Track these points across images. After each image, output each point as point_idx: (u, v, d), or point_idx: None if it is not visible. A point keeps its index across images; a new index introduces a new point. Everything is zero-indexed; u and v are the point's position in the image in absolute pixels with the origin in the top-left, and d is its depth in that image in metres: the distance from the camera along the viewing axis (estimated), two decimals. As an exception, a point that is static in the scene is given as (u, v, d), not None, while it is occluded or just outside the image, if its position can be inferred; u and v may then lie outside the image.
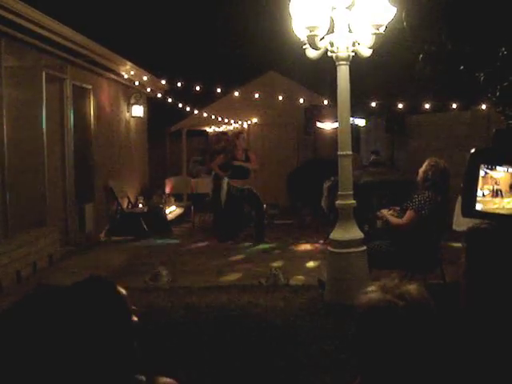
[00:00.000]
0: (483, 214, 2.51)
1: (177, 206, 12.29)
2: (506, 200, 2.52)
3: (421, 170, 5.54)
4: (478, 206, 2.52)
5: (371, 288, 1.49)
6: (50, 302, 1.56)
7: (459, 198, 6.73)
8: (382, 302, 1.44)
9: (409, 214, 5.42)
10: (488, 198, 2.50)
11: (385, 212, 5.73)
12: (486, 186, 2.55)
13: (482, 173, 2.49)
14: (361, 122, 13.02)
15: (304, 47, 5.34)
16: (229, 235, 9.31)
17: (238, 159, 9.31)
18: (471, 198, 2.45)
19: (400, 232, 5.49)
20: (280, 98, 12.38)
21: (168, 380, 1.62)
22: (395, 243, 5.50)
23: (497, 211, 2.50)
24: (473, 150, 2.44)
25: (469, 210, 2.48)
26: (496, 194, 2.60)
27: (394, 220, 5.58)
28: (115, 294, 1.60)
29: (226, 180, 9.30)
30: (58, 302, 1.55)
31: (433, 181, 5.44)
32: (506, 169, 2.51)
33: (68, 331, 1.50)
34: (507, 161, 2.52)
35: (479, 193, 2.47)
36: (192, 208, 11.51)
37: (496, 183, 2.55)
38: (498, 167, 2.51)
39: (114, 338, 1.53)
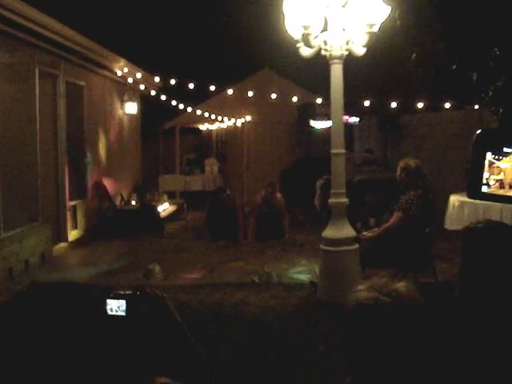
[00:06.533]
0: (489, 196, 2.48)
1: (170, 204, 12.28)
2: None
3: (397, 175, 5.67)
4: (484, 189, 2.49)
5: (360, 287, 1.51)
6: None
7: (451, 197, 6.75)
8: (369, 299, 1.45)
9: (396, 215, 5.54)
10: (494, 189, 2.47)
11: (366, 233, 5.80)
12: (492, 177, 2.52)
13: (487, 162, 2.46)
14: (354, 121, 13.03)
15: (298, 46, 5.35)
16: None
17: None
18: (478, 179, 2.43)
19: (389, 233, 5.54)
20: (274, 96, 12.36)
21: (168, 381, 1.61)
22: (386, 243, 5.55)
23: (503, 193, 2.47)
24: (479, 131, 2.40)
25: (475, 191, 2.45)
26: (502, 185, 2.58)
27: (381, 228, 5.67)
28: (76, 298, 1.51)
29: None
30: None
31: (408, 181, 5.58)
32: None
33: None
34: None
35: (485, 182, 2.44)
36: (185, 205, 11.50)
37: (502, 173, 2.52)
38: (505, 149, 2.47)
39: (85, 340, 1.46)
